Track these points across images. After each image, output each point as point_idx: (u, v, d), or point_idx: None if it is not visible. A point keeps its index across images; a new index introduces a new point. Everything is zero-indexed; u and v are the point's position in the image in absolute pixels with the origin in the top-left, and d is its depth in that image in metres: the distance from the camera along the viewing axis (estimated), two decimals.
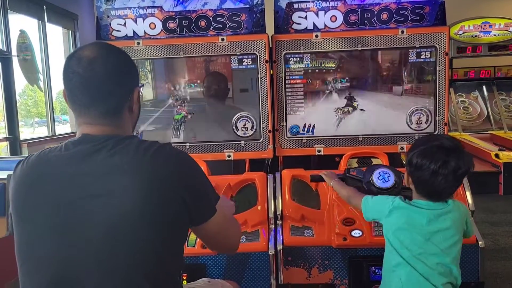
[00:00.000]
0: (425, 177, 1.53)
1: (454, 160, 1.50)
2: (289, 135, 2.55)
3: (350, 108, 2.52)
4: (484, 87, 7.13)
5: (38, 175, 1.14)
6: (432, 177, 1.51)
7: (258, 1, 2.48)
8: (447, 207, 1.57)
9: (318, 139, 2.55)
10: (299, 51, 2.48)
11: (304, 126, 2.55)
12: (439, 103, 2.48)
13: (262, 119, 2.48)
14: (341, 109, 2.52)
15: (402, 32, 2.43)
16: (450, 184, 1.52)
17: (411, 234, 1.55)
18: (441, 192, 1.55)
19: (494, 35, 6.77)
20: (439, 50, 2.43)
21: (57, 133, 6.62)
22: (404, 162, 2.66)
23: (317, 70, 2.52)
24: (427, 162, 1.51)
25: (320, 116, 2.54)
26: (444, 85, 2.47)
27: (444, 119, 2.49)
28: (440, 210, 1.56)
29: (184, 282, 1.97)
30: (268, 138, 2.49)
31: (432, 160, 1.51)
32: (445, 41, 2.43)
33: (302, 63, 2.50)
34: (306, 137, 2.55)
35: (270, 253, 2.12)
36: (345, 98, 2.52)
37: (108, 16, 2.53)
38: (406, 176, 1.65)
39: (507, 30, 6.76)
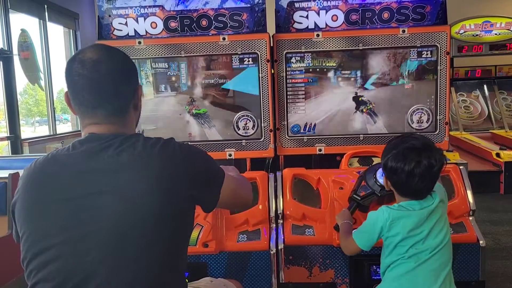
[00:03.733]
0: (402, 180, 1.56)
1: (426, 159, 1.52)
2: (290, 134, 2.55)
3: (363, 107, 2.52)
4: (485, 86, 7.13)
5: (47, 174, 1.15)
6: (408, 178, 1.54)
7: (259, 0, 2.49)
8: (435, 199, 1.59)
9: (319, 138, 2.55)
10: (300, 50, 2.48)
11: (305, 125, 2.55)
12: (440, 102, 2.48)
13: (263, 118, 2.49)
14: (346, 105, 2.53)
15: (403, 31, 2.43)
16: (428, 182, 1.56)
17: (413, 238, 1.55)
18: (421, 191, 1.58)
19: (495, 34, 6.77)
20: (440, 49, 2.43)
21: (58, 132, 6.63)
22: None
23: (318, 69, 2.52)
24: (401, 165, 1.54)
25: (321, 115, 2.55)
26: (445, 84, 2.47)
27: (445, 118, 2.49)
28: (431, 206, 1.58)
29: (186, 281, 1.97)
30: (269, 137, 2.50)
31: (405, 163, 1.53)
32: (446, 40, 2.43)
33: (303, 62, 2.50)
34: (307, 136, 2.55)
35: (271, 252, 2.12)
36: (353, 100, 2.52)
37: (110, 16, 2.53)
38: (384, 180, 1.67)
39: (508, 29, 6.75)
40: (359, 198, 2.02)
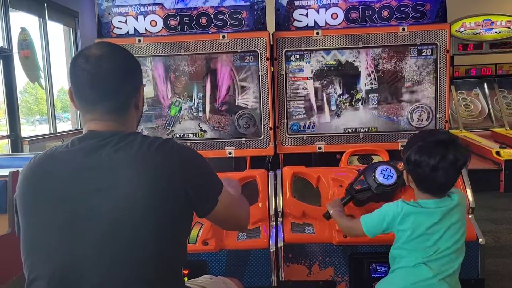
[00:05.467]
0: (425, 173, 1.52)
1: (452, 153, 1.50)
2: (290, 132, 2.56)
3: (353, 103, 2.53)
4: (485, 84, 7.12)
5: (45, 170, 1.16)
6: (432, 172, 1.51)
7: None
8: (453, 201, 1.57)
9: (319, 136, 2.55)
10: (300, 48, 2.48)
11: (305, 123, 2.55)
12: (440, 100, 2.48)
13: (263, 116, 2.49)
14: (345, 103, 2.53)
15: (403, 29, 2.43)
16: (451, 178, 1.53)
17: (424, 237, 1.55)
18: (443, 186, 1.56)
19: (496, 32, 6.76)
20: (440, 47, 2.43)
21: (58, 130, 6.63)
22: None
23: (318, 67, 2.52)
24: (426, 158, 1.51)
25: (321, 113, 2.55)
26: (445, 83, 2.47)
27: (445, 117, 2.49)
28: (448, 207, 1.56)
29: (186, 278, 1.98)
30: (269, 135, 2.50)
31: (430, 156, 1.50)
32: (446, 39, 2.43)
33: (303, 61, 2.50)
34: (306, 134, 2.55)
35: (271, 250, 2.12)
36: (349, 96, 2.53)
37: (109, 14, 2.53)
38: (405, 175, 1.64)
39: (508, 28, 6.73)
40: (353, 191, 2.04)
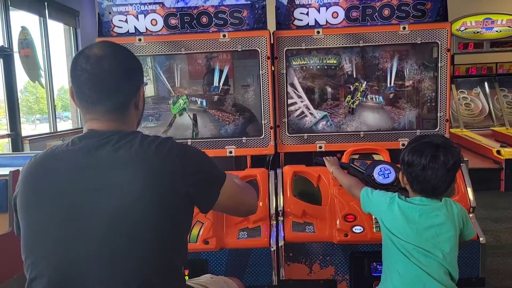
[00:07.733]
0: (416, 173, 1.58)
1: (443, 154, 1.55)
2: (290, 131, 2.55)
3: (353, 102, 2.53)
4: (486, 83, 7.12)
5: (45, 169, 1.17)
6: (423, 172, 1.56)
7: None
8: (439, 203, 1.61)
9: (320, 135, 2.55)
10: (300, 47, 2.48)
11: (306, 122, 2.55)
12: (440, 99, 2.47)
13: (264, 115, 2.49)
14: (346, 102, 2.53)
15: (404, 28, 2.43)
16: (442, 179, 1.56)
17: (405, 229, 1.58)
18: (435, 187, 1.59)
19: (496, 31, 6.75)
20: (441, 46, 2.43)
21: (58, 129, 6.64)
22: None
23: (318, 66, 2.51)
24: (418, 158, 1.57)
25: (321, 112, 2.55)
26: (446, 82, 2.46)
27: (445, 116, 2.49)
28: (431, 206, 1.59)
29: (186, 277, 1.98)
30: (270, 134, 2.50)
31: (421, 155, 1.56)
32: (446, 37, 2.42)
33: (304, 59, 2.50)
34: (307, 133, 2.55)
35: (272, 249, 2.12)
36: (349, 95, 2.53)
37: (110, 13, 2.53)
38: (401, 176, 1.69)
39: (509, 27, 6.73)
40: (351, 164, 2.18)
